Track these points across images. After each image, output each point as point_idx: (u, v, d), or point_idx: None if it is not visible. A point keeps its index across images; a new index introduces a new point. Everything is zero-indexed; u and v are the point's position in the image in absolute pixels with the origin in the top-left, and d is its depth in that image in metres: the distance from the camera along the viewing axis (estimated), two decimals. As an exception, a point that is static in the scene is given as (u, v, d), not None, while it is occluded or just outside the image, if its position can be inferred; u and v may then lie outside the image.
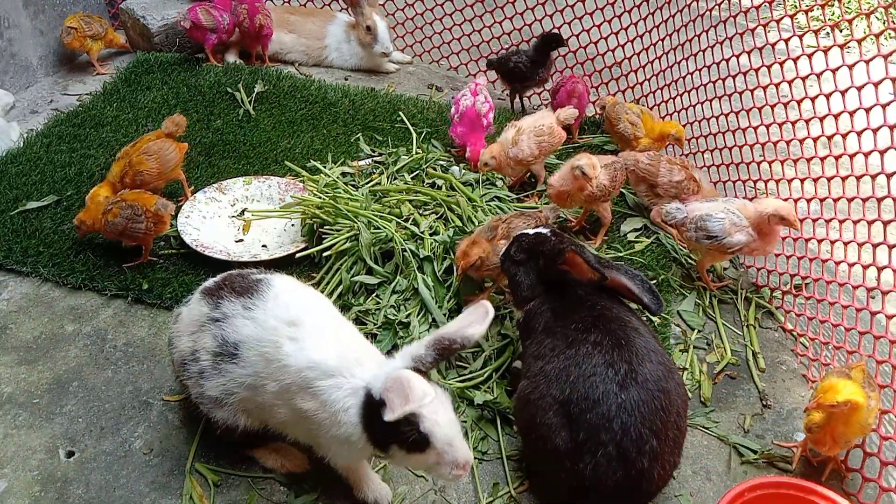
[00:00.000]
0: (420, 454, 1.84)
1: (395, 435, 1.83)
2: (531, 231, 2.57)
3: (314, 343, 1.98)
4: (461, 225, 3.09)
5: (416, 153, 3.58)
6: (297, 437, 2.16)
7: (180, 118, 3.24)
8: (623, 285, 2.38)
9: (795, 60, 3.07)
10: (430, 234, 2.99)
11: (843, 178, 2.84)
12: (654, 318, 2.83)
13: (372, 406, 1.86)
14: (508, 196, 3.40)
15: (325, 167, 3.47)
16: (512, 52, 4.12)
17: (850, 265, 2.79)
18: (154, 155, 3.14)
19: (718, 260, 3.05)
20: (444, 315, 2.76)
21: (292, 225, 3.25)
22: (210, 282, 2.25)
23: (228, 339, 2.07)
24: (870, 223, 2.71)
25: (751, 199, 3.02)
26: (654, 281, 3.00)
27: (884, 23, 3.02)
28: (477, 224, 3.11)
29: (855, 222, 2.79)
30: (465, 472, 1.86)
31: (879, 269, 2.59)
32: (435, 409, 1.81)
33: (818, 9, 3.07)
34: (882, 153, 2.66)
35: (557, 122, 3.41)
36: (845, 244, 2.82)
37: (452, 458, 1.83)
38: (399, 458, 1.89)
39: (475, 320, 1.88)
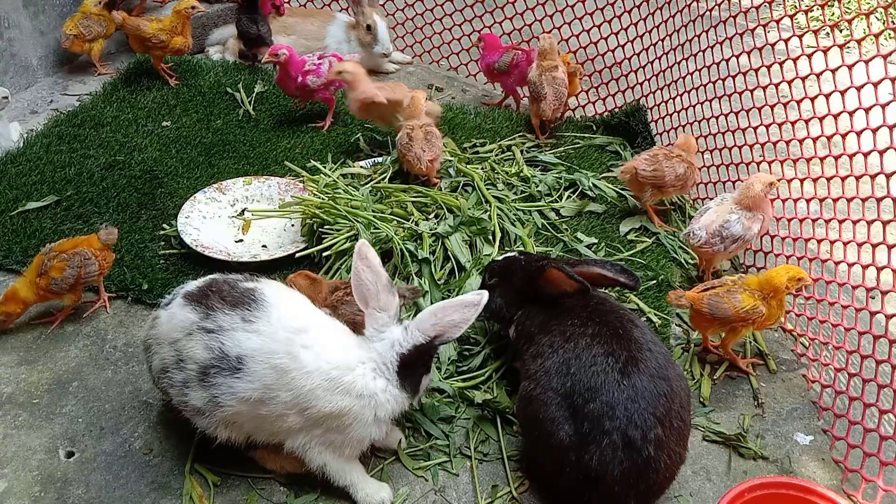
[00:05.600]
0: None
1: (425, 364, 2.19)
2: (500, 258, 2.65)
3: (326, 344, 2.07)
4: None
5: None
6: (299, 442, 2.14)
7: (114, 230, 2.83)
8: (597, 274, 2.44)
9: (795, 60, 3.07)
10: (430, 234, 3.00)
11: (843, 178, 2.84)
12: (654, 320, 2.83)
13: (410, 361, 2.12)
14: (507, 196, 3.40)
15: (324, 167, 3.47)
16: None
17: (850, 265, 2.79)
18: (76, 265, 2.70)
19: (727, 257, 3.05)
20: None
21: (292, 225, 3.25)
22: (192, 286, 2.19)
23: (229, 353, 2.04)
24: (869, 223, 2.71)
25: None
26: (654, 281, 3.00)
27: (883, 23, 3.02)
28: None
29: (855, 222, 2.79)
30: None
31: (879, 269, 2.60)
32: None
33: (818, 9, 3.07)
34: (882, 153, 2.66)
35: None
36: (845, 244, 2.82)
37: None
38: (425, 386, 2.23)
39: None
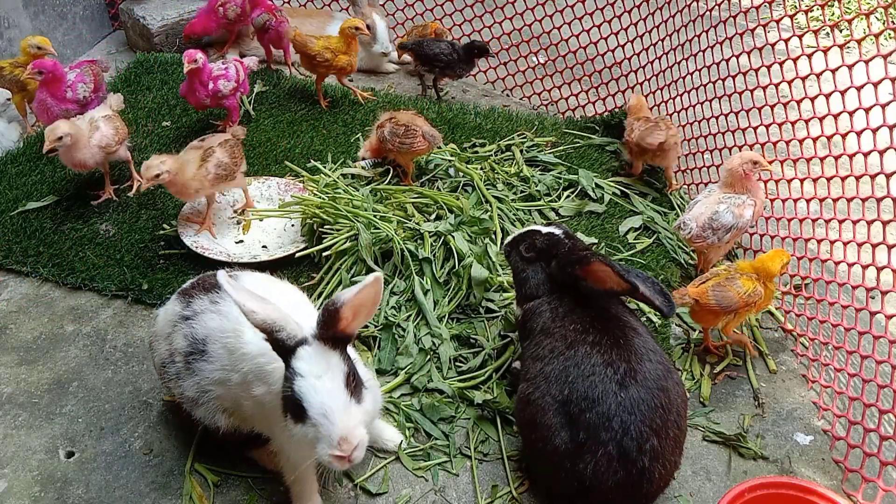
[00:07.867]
0: (301, 425, 1.66)
1: (286, 399, 1.68)
2: (544, 230, 2.53)
3: None
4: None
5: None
6: (265, 432, 2.08)
7: None
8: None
9: (795, 60, 3.07)
10: (431, 234, 3.00)
11: (843, 178, 2.84)
12: (654, 320, 2.83)
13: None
14: (508, 197, 3.40)
15: (324, 167, 3.47)
16: (433, 41, 4.25)
17: (850, 265, 2.79)
18: None
19: (725, 250, 3.06)
20: (442, 319, 2.76)
21: (292, 225, 3.25)
22: (187, 283, 2.25)
23: (198, 336, 2.05)
24: (869, 223, 2.71)
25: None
26: (654, 281, 3.00)
27: (883, 23, 3.02)
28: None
29: (855, 222, 2.79)
30: (345, 453, 1.64)
31: (879, 269, 2.60)
32: (318, 373, 1.65)
33: (818, 9, 3.07)
34: (882, 153, 2.66)
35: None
36: (845, 244, 2.82)
37: (327, 434, 1.63)
38: (291, 429, 1.71)
39: (357, 286, 1.73)
